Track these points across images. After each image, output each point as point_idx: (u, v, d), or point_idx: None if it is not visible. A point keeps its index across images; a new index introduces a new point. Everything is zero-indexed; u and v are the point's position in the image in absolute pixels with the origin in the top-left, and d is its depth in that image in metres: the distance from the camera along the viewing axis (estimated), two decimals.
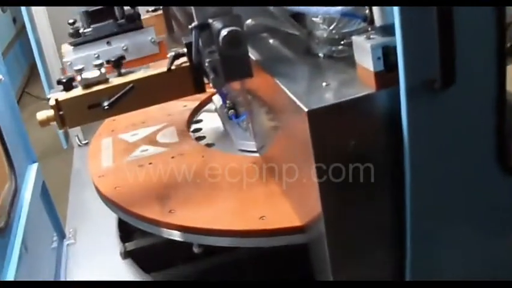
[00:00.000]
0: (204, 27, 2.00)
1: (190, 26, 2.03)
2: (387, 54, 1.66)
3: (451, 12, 1.48)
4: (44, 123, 2.43)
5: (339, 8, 1.81)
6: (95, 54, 3.19)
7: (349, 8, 1.81)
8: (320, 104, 1.67)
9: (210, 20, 1.98)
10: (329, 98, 1.74)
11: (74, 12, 3.30)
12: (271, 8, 2.16)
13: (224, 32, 1.92)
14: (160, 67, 2.49)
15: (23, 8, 4.34)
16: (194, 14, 1.99)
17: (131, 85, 2.41)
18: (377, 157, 1.75)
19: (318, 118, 1.66)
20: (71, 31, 3.25)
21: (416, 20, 1.53)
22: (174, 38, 3.22)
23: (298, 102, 1.72)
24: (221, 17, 1.96)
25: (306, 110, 1.66)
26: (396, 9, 1.52)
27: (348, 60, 1.90)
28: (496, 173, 1.77)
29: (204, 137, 3.06)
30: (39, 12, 4.41)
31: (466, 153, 1.75)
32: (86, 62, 2.85)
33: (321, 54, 2.07)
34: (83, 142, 3.94)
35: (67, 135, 4.58)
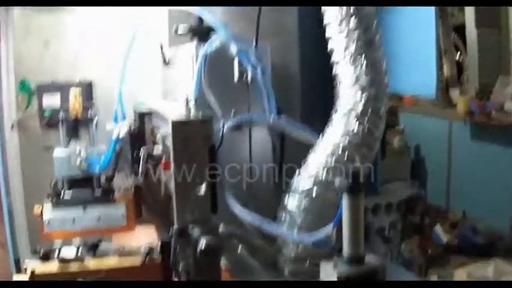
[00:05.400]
0: (183, 232, 1.96)
1: (171, 229, 1.99)
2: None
3: None
4: None
5: (311, 238, 1.80)
6: (71, 218, 3.09)
7: (321, 237, 1.80)
8: None
9: (189, 226, 1.96)
10: None
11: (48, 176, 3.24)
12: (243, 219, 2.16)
13: (202, 243, 1.90)
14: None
15: None
16: (175, 218, 1.97)
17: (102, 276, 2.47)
18: None
19: None
20: (50, 192, 3.18)
21: None
22: (141, 221, 3.19)
23: None
24: (199, 224, 1.94)
25: None
26: None
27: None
28: None
29: None
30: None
31: None
32: (63, 223, 2.99)
33: (286, 271, 2.05)
34: None
35: None
